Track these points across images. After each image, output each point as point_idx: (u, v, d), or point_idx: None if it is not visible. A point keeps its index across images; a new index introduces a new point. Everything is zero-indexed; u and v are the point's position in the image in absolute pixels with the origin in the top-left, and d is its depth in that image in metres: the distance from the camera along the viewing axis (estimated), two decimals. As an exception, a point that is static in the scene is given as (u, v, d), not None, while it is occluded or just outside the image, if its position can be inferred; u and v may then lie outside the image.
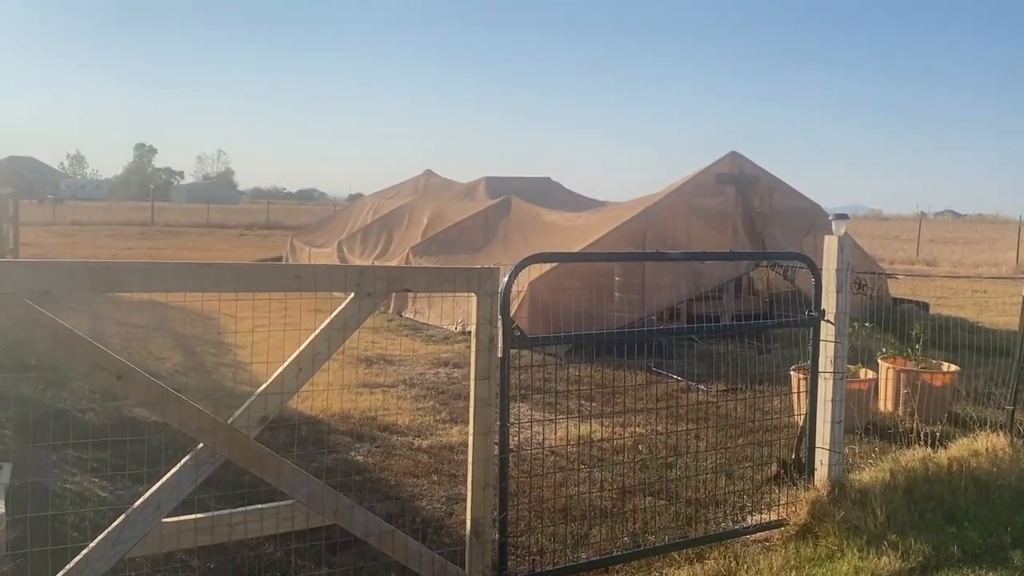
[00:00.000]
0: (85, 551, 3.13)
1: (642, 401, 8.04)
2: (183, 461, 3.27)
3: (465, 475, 5.83)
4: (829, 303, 4.99)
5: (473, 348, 3.83)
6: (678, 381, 8.85)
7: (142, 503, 3.19)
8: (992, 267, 25.55)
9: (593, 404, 7.70)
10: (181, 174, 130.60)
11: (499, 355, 3.86)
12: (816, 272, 5.01)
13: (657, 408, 7.49)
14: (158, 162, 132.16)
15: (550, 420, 6.81)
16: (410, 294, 12.94)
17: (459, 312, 12.02)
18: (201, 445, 3.28)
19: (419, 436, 6.81)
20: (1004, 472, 5.39)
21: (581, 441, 6.47)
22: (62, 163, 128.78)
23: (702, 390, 8.55)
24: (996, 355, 9.70)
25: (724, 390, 8.47)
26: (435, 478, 5.80)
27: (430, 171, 20.80)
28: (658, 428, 6.93)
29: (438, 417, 7.41)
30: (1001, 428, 6.13)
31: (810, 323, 5.02)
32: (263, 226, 38.45)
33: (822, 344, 5.01)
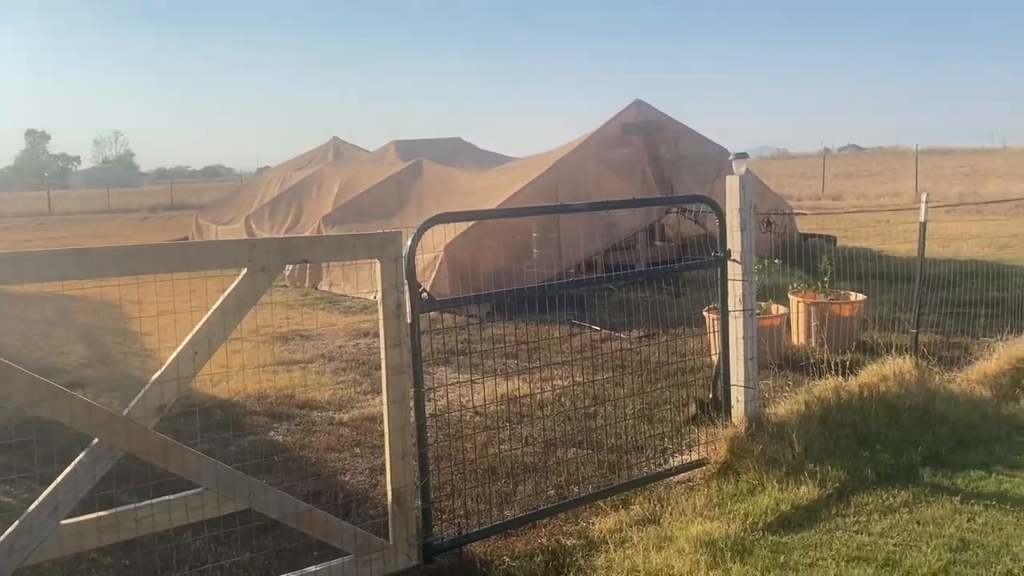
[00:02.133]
0: (-23, 564, 2.95)
1: (563, 354, 8.06)
2: (78, 458, 3.10)
3: (388, 445, 5.80)
4: (734, 242, 5.03)
5: (381, 315, 3.72)
6: (597, 331, 8.91)
7: (37, 506, 3.02)
8: (893, 197, 26.48)
9: (516, 361, 7.68)
10: (78, 159, 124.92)
11: (408, 320, 3.76)
12: (720, 213, 5.04)
13: (578, 360, 7.52)
14: (52, 148, 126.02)
15: (473, 381, 6.76)
16: (324, 266, 12.68)
17: (374, 279, 11.83)
18: (96, 440, 3.11)
19: (340, 410, 6.68)
20: (911, 394, 5.59)
21: (504, 399, 6.46)
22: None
23: (621, 338, 8.63)
24: (899, 281, 10.07)
25: (642, 336, 8.57)
26: (357, 451, 5.71)
27: (337, 138, 20.36)
28: (579, 379, 6.96)
29: (359, 389, 7.28)
30: (906, 351, 6.35)
31: (717, 264, 5.07)
32: (167, 207, 37.09)
33: (730, 283, 5.06)
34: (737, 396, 5.15)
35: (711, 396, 5.62)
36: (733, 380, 5.14)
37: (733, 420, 5.12)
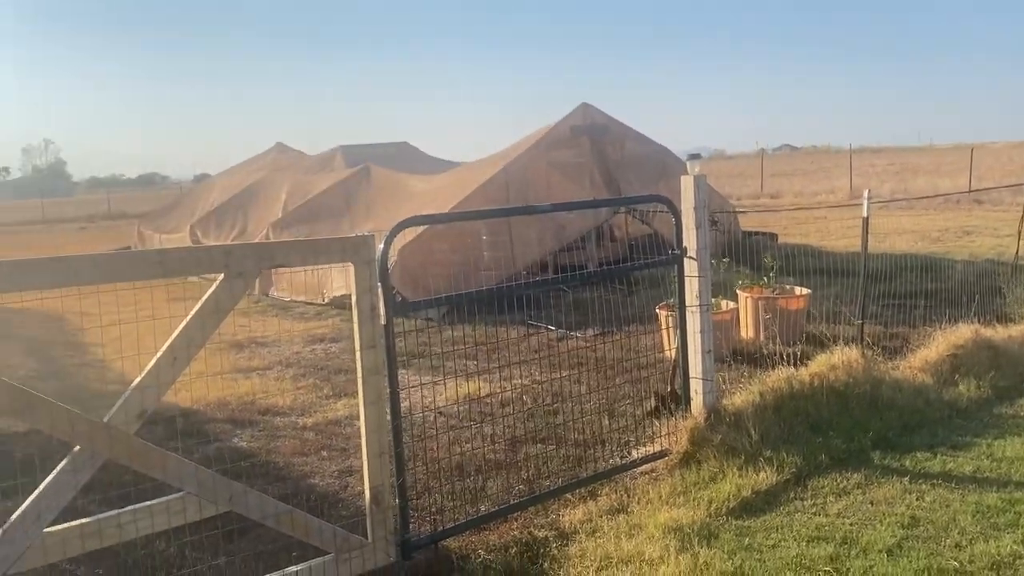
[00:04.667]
0: (-39, 575, 2.94)
1: (521, 354, 8.18)
2: (60, 466, 3.11)
3: (356, 447, 5.83)
4: (690, 240, 5.21)
5: (355, 318, 3.79)
6: (553, 331, 9.06)
7: (20, 515, 3.02)
8: (829, 195, 27.25)
9: (475, 362, 7.78)
10: (7, 169, 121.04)
11: (382, 323, 3.84)
12: (676, 212, 5.22)
13: (537, 359, 7.64)
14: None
15: (435, 382, 6.82)
16: (275, 272, 12.60)
17: (324, 285, 11.81)
18: (78, 448, 3.12)
19: (303, 415, 6.70)
20: (859, 382, 5.85)
21: (467, 399, 6.55)
22: None
23: (577, 337, 8.78)
24: (840, 276, 10.44)
25: (597, 334, 8.73)
26: (324, 454, 5.74)
27: (281, 144, 20.17)
28: (539, 378, 7.09)
29: (320, 394, 7.30)
30: (852, 342, 6.63)
31: (674, 261, 5.24)
32: (105, 216, 36.25)
33: (687, 280, 5.24)
34: (696, 388, 5.33)
35: (669, 389, 5.79)
36: (692, 373, 5.32)
37: (692, 411, 5.29)
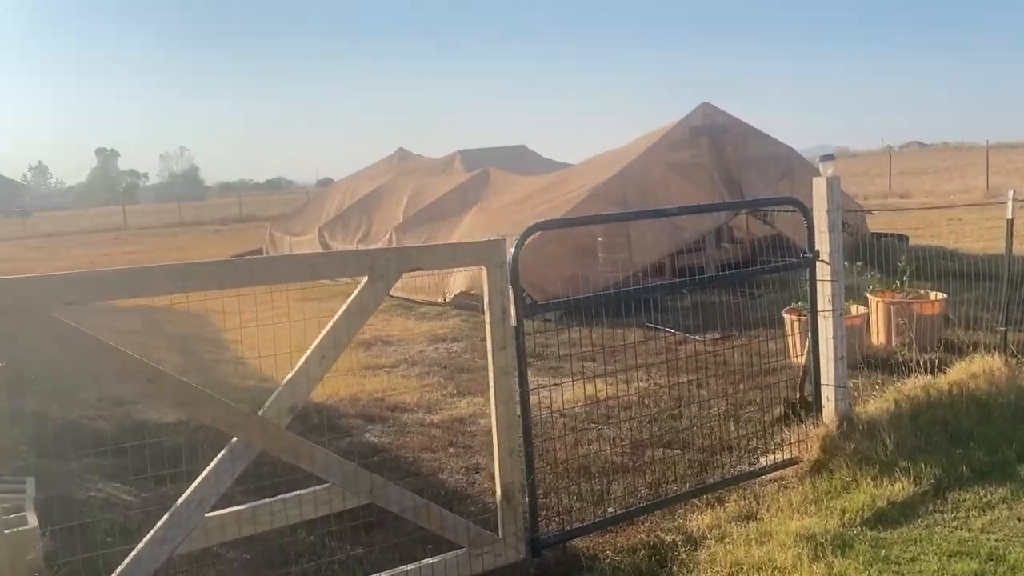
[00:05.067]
0: (134, 552, 3.20)
1: (641, 357, 8.15)
2: (219, 456, 3.34)
3: (482, 445, 5.98)
4: (823, 243, 5.10)
5: (487, 320, 3.90)
6: (673, 334, 8.99)
7: (185, 500, 3.26)
8: (963, 194, 25.89)
9: (594, 364, 7.81)
10: (146, 175, 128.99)
11: (513, 324, 3.93)
12: (807, 214, 5.11)
13: (658, 363, 7.61)
14: (122, 164, 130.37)
15: (556, 384, 6.90)
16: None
17: (445, 285, 12.08)
18: (235, 439, 3.34)
19: (429, 412, 6.90)
20: (1003, 391, 5.57)
21: (588, 401, 6.59)
22: (25, 175, 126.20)
23: (698, 340, 8.69)
24: (979, 280, 9.91)
25: (719, 338, 8.61)
26: (451, 451, 5.91)
27: (403, 149, 20.74)
28: (660, 381, 7.06)
29: (445, 392, 7.50)
30: (995, 349, 6.31)
31: (805, 264, 5.14)
32: (236, 219, 38.14)
33: (819, 284, 5.13)
34: (827, 395, 5.21)
35: (798, 396, 5.68)
36: (823, 379, 5.20)
37: (824, 419, 5.18)
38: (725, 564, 3.88)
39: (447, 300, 12.09)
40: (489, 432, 6.25)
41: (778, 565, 3.81)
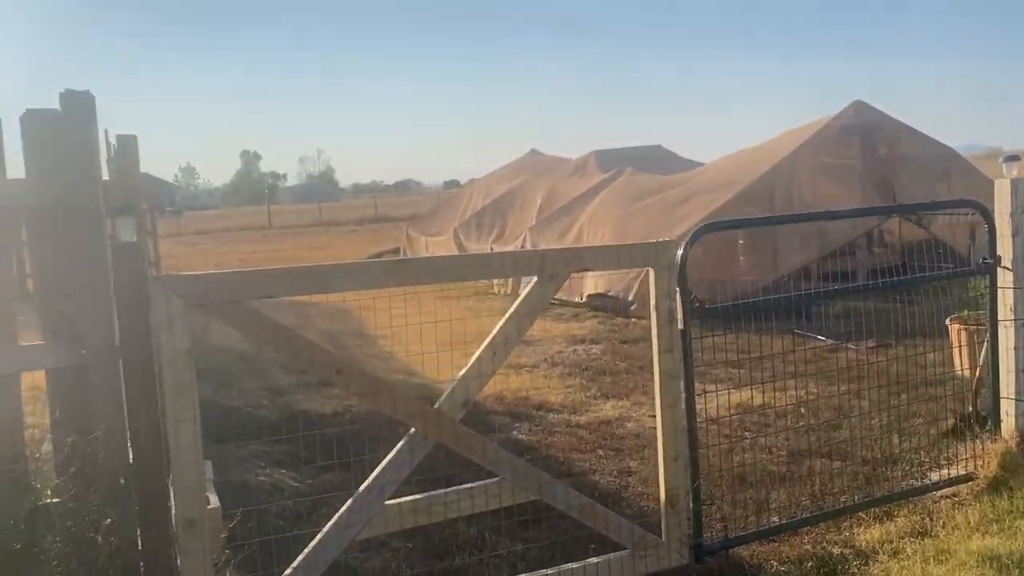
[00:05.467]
0: (319, 536, 3.36)
1: (791, 364, 7.91)
2: (398, 446, 3.46)
3: (631, 448, 5.96)
4: (1005, 249, 4.81)
5: (654, 322, 3.88)
6: (824, 342, 8.67)
7: (366, 488, 3.40)
8: None
9: (740, 372, 7.63)
10: (285, 176, 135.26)
11: (680, 327, 3.90)
12: (988, 217, 4.84)
13: (810, 371, 7.35)
14: (263, 166, 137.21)
15: (711, 392, 6.80)
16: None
17: (582, 284, 12.06)
18: (413, 430, 3.46)
19: (574, 413, 6.92)
20: None
21: (741, 409, 6.44)
22: (175, 175, 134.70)
23: (850, 348, 8.35)
24: None
25: (874, 347, 8.25)
26: (600, 453, 5.91)
27: (535, 150, 20.89)
28: (815, 390, 6.83)
29: (588, 394, 7.51)
30: None
31: (985, 271, 4.86)
32: (372, 220, 39.43)
33: (1000, 291, 4.84)
34: (1007, 409, 4.91)
35: (971, 410, 5.38)
36: (1002, 392, 4.91)
37: (1003, 434, 4.88)
38: (901, 581, 3.72)
39: (583, 299, 12.09)
40: (638, 436, 6.26)
41: (961, 586, 3.62)
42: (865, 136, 11.84)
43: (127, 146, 4.79)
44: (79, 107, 3.34)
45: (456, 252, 16.71)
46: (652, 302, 3.88)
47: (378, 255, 22.23)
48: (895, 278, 5.24)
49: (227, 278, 3.16)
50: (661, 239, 3.91)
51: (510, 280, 13.36)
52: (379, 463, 3.46)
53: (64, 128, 3.29)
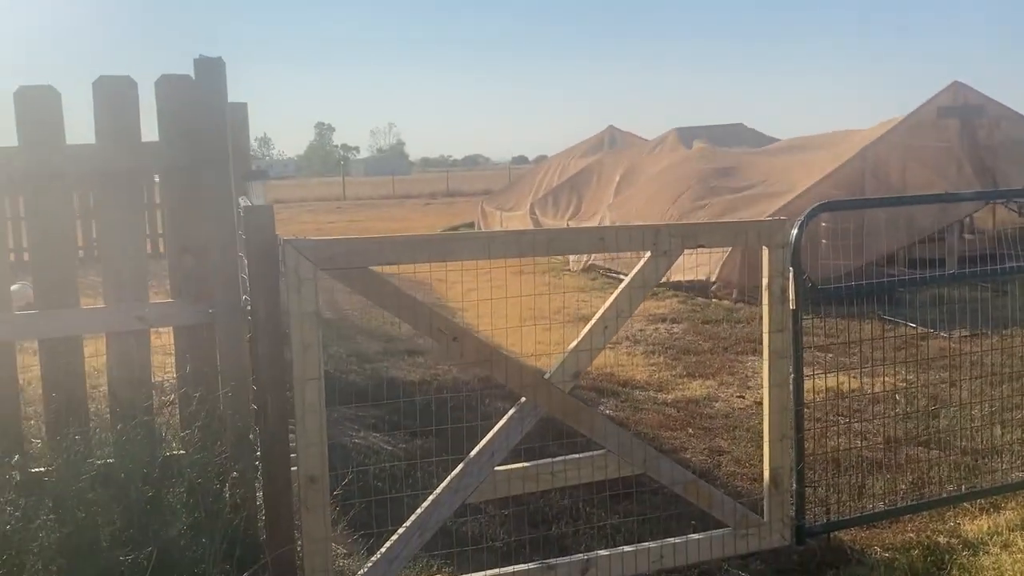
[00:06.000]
0: (431, 497, 3.44)
1: (880, 350, 7.74)
2: (509, 413, 3.51)
3: (720, 428, 5.93)
4: None
5: (765, 301, 3.84)
6: (915, 328, 8.45)
7: (477, 453, 3.46)
8: None
9: (828, 356, 7.50)
10: (357, 149, 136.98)
11: (792, 307, 3.85)
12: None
13: (904, 359, 7.19)
14: (336, 139, 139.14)
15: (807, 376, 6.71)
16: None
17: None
18: (524, 399, 3.50)
19: (660, 391, 6.91)
20: None
21: (832, 394, 6.34)
22: (252, 145, 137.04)
23: (942, 336, 8.14)
24: None
25: (967, 336, 8.02)
26: (690, 431, 5.89)
27: (613, 127, 20.71)
28: (908, 377, 6.68)
29: (674, 372, 7.48)
30: None
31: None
32: (444, 194, 39.69)
33: (1123, 283, 4.65)
34: (1124, 405, 4.73)
35: (1082, 403, 5.19)
36: (1121, 387, 4.72)
37: (1119, 430, 4.70)
38: (1014, 573, 3.64)
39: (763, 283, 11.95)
40: (727, 416, 6.23)
41: (1079, 582, 3.53)
42: (965, 119, 11.43)
43: (239, 114, 4.93)
44: (211, 73, 3.44)
45: (532, 228, 16.72)
46: (764, 281, 3.84)
47: (454, 228, 22.39)
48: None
49: (355, 244, 3.23)
50: (774, 218, 3.85)
51: (583, 257, 13.33)
52: (468, 430, 3.53)
53: (198, 92, 3.40)
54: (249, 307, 3.31)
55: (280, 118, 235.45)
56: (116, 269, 3.34)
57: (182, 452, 3.33)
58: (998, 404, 5.78)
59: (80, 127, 3.40)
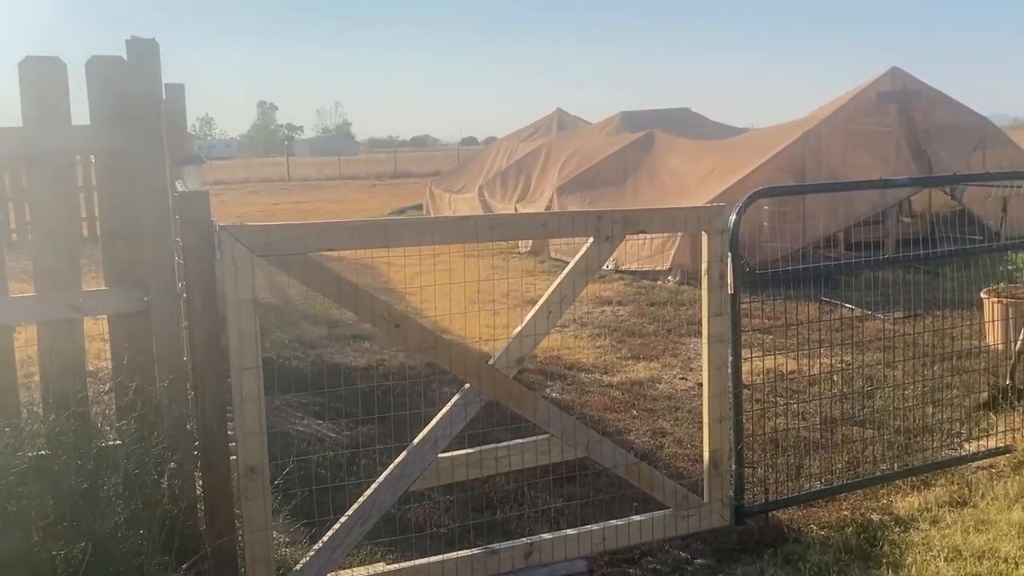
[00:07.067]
0: (374, 485, 3.43)
1: (818, 332, 7.92)
2: (452, 400, 3.51)
3: (663, 409, 6.01)
4: (1055, 223, 4.78)
5: (704, 286, 3.90)
6: (852, 311, 8.67)
7: (421, 440, 3.45)
8: None
9: (767, 337, 7.65)
10: (301, 129, 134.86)
11: (730, 292, 3.91)
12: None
13: (840, 340, 7.37)
14: (279, 118, 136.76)
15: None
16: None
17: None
18: (468, 385, 3.50)
19: (606, 373, 6.98)
20: None
21: (772, 375, 6.48)
22: (193, 125, 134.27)
23: (879, 318, 8.36)
24: None
25: (903, 317, 8.25)
26: (634, 413, 5.96)
27: (561, 110, 20.68)
28: (845, 359, 6.85)
29: (619, 355, 7.55)
30: None
31: (1033, 245, 4.84)
32: (391, 175, 39.33)
33: (1047, 266, 4.82)
34: (1047, 384, 4.92)
35: (1008, 383, 5.39)
36: (1044, 367, 4.91)
37: (1042, 408, 4.89)
38: (942, 548, 3.77)
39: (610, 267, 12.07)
40: (670, 398, 6.32)
41: (1002, 555, 3.67)
42: (903, 104, 11.69)
43: (176, 95, 4.81)
44: (144, 54, 3.36)
45: (481, 211, 16.67)
46: (703, 266, 3.89)
47: (401, 211, 22.23)
48: (951, 249, 5.16)
49: (293, 230, 3.19)
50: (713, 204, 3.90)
51: (531, 240, 13.35)
52: (412, 417, 3.52)
53: (130, 74, 3.31)
54: (185, 295, 3.24)
55: (222, 97, 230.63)
56: (47, 255, 3.25)
57: (118, 443, 3.25)
58: (930, 384, 5.95)
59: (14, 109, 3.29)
